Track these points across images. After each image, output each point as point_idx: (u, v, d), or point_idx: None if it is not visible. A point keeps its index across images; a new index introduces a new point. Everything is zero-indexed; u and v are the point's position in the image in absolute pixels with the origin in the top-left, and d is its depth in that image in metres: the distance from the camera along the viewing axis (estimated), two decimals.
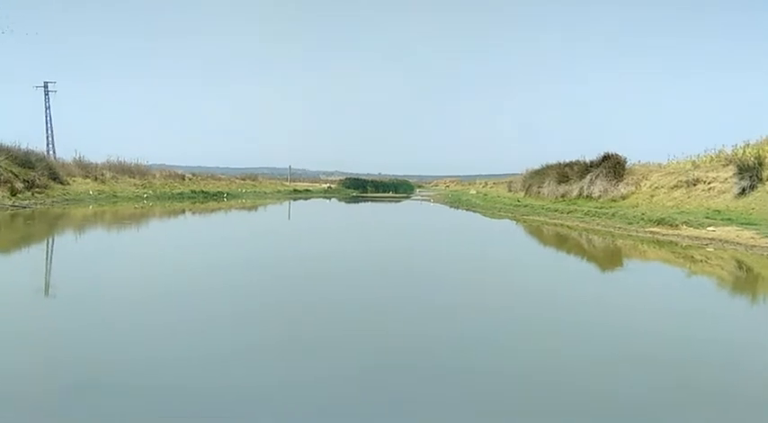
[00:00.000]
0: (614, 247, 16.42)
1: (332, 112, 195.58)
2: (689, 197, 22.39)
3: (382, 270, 11.91)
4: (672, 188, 23.64)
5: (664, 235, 17.07)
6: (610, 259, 14.61)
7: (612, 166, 27.35)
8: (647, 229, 18.13)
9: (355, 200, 52.50)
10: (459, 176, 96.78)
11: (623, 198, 25.58)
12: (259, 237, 19.39)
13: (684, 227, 17.16)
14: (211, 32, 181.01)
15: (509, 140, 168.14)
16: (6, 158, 27.50)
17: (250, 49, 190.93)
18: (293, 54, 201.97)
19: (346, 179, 75.14)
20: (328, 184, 73.78)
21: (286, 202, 43.72)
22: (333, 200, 51.76)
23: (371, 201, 50.70)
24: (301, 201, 48.24)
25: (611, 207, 24.07)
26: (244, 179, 57.69)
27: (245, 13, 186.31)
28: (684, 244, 15.73)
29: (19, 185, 26.96)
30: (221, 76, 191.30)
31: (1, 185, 25.91)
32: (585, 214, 23.27)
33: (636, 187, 25.89)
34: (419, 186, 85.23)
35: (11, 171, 27.09)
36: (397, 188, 71.43)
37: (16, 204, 24.86)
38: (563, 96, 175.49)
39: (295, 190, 60.66)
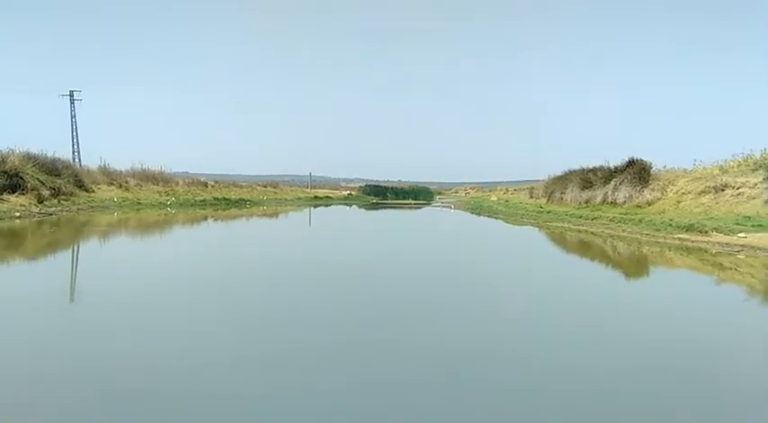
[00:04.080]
0: (642, 253, 16.10)
1: (352, 118, 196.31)
2: (717, 203, 21.92)
3: (405, 278, 11.78)
4: (699, 194, 23.18)
5: (693, 241, 16.70)
6: (638, 266, 14.32)
7: (637, 172, 26.91)
8: (675, 236, 17.76)
9: (375, 207, 52.49)
10: (479, 183, 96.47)
11: (649, 204, 25.15)
12: (280, 244, 19.39)
13: (714, 233, 16.78)
14: (232, 42, 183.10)
15: (530, 146, 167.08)
16: (33, 166, 27.94)
17: (270, 57, 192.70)
18: (313, 63, 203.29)
19: (366, 186, 75.22)
20: (348, 191, 73.89)
21: (306, 209, 43.84)
22: (353, 207, 51.82)
23: (391, 208, 50.65)
24: (322, 208, 48.35)
25: (636, 213, 23.67)
26: (265, 186, 58.05)
27: (264, 22, 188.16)
28: (714, 251, 15.36)
29: (45, 193, 27.37)
30: (243, 85, 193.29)
31: (28, 193, 26.32)
32: (611, 221, 22.91)
33: (662, 193, 25.45)
34: (439, 193, 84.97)
35: (38, 179, 27.52)
36: (417, 195, 71.26)
37: (43, 211, 25.23)
38: (584, 101, 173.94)
39: (315, 197, 60.86)
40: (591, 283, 11.72)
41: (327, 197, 63.09)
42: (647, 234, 19.04)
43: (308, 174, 78.70)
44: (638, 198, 26.09)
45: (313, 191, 66.87)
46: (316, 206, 49.87)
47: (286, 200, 53.97)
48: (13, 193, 25.76)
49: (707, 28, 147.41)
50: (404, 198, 68.35)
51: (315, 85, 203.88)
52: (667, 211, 23.18)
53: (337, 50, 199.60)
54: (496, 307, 8.89)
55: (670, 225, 19.12)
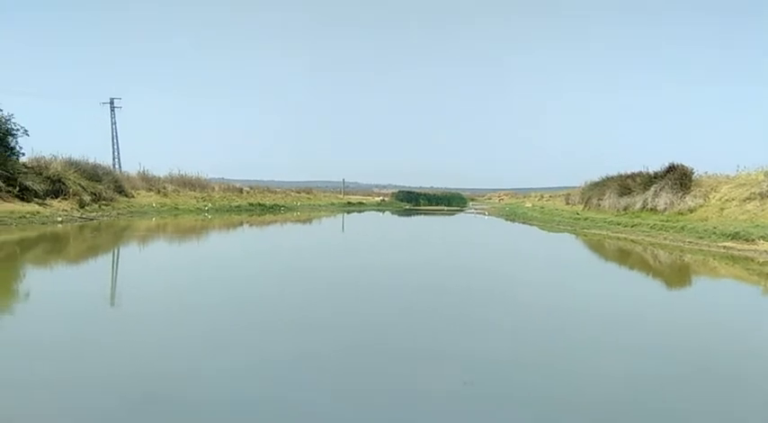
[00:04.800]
0: (685, 262, 15.61)
1: (385, 125, 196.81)
2: (763, 210, 21.14)
3: (442, 286, 11.63)
4: (744, 201, 22.39)
5: (739, 250, 16.13)
6: (681, 276, 13.88)
7: (678, 178, 26.17)
8: (719, 244, 17.19)
9: (408, 213, 52.34)
10: (513, 190, 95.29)
11: (691, 211, 24.42)
12: (313, 250, 19.43)
13: (761, 241, 16.17)
14: (266, 49, 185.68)
15: (564, 152, 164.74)
16: (75, 172, 28.70)
17: (305, 65, 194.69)
18: (347, 70, 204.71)
19: (399, 192, 75.04)
20: (381, 197, 73.87)
21: (340, 215, 43.99)
22: (386, 213, 51.76)
23: (424, 214, 50.43)
24: (355, 213, 48.45)
25: (677, 221, 23.02)
26: (299, 192, 58.48)
27: (296, 30, 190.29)
28: (762, 260, 14.80)
29: (86, 198, 28.06)
30: (277, 92, 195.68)
31: (70, 198, 27.02)
32: (651, 228, 22.33)
33: (704, 200, 24.68)
34: (472, 199, 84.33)
35: (79, 184, 28.24)
36: (449, 201, 70.84)
37: (84, 216, 25.85)
38: (620, 107, 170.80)
39: (348, 203, 61.04)
40: (634, 295, 11.38)
41: (360, 203, 63.20)
42: (689, 242, 18.49)
43: (341, 180, 78.95)
44: (679, 205, 25.36)
45: (346, 197, 67.07)
46: (349, 212, 50.01)
47: (319, 205, 54.26)
48: (56, 198, 26.47)
49: (750, 31, 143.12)
50: (437, 204, 68.01)
51: (349, 92, 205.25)
52: (710, 218, 22.47)
53: (371, 57, 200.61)
54: (535, 319, 8.68)
55: (714, 233, 18.52)
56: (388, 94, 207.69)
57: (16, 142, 27.87)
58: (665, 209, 25.83)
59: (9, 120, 27.50)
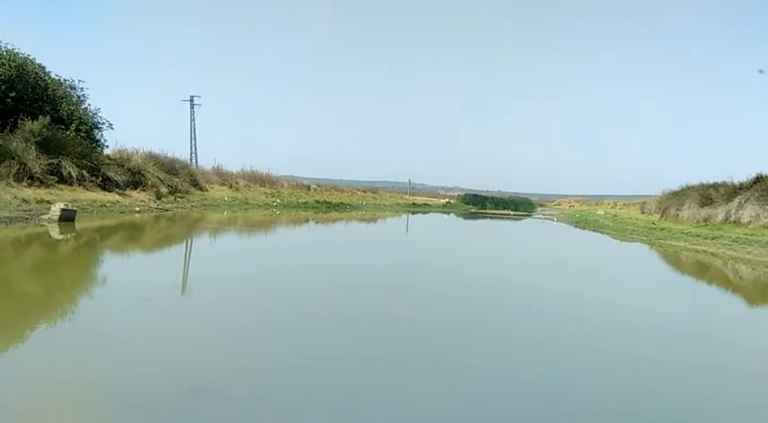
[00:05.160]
0: None
1: (451, 127, 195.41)
2: None
3: (506, 295, 11.33)
4: None
5: None
6: (765, 293, 12.94)
7: (766, 189, 24.51)
8: None
9: (473, 216, 51.66)
10: (584, 196, 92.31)
11: None
12: (376, 250, 19.44)
13: None
14: (340, 50, 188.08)
15: (642, 158, 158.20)
16: (154, 165, 29.98)
17: (375, 66, 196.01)
18: (415, 71, 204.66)
19: (465, 195, 74.34)
20: (447, 199, 73.33)
21: (404, 216, 43.94)
22: (451, 215, 51.32)
23: (490, 218, 49.62)
24: (419, 215, 48.28)
25: (763, 235, 21.53)
26: (365, 191, 58.90)
27: (377, 35, 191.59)
28: None
29: (163, 190, 29.27)
30: (348, 92, 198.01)
31: (148, 189, 28.25)
32: (734, 241, 20.99)
33: None
34: (540, 205, 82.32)
35: (157, 177, 29.48)
36: (517, 206, 69.47)
37: (160, 207, 26.98)
38: (704, 113, 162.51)
39: (414, 204, 60.95)
40: (715, 317, 10.70)
41: (425, 204, 62.98)
42: None
43: (407, 181, 78.96)
44: (765, 218, 23.73)
45: (411, 197, 66.98)
46: (413, 213, 49.90)
47: (384, 205, 54.44)
48: (135, 188, 27.74)
49: None
50: (503, 208, 66.85)
51: (420, 95, 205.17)
52: None
53: (439, 60, 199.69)
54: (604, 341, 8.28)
55: None
56: (461, 96, 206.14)
57: (101, 135, 29.47)
58: (750, 222, 24.23)
59: (96, 114, 29.11)
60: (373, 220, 36.25)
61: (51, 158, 23.08)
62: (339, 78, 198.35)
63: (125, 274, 11.08)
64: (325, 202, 45.88)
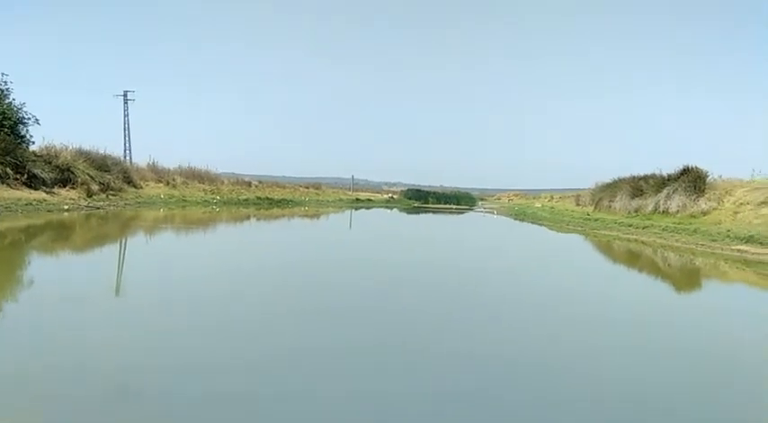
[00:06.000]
0: (695, 265, 15.28)
1: (395, 123, 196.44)
2: None
3: (448, 283, 11.44)
4: (760, 205, 21.96)
5: (753, 254, 15.77)
6: (691, 279, 13.57)
7: (692, 180, 25.75)
8: (733, 247, 16.84)
9: (416, 211, 52.06)
10: (522, 190, 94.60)
11: (704, 214, 24.00)
12: (322, 245, 19.28)
13: None
14: (277, 45, 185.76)
15: (573, 153, 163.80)
16: (85, 161, 28.70)
17: (315, 62, 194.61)
18: (357, 68, 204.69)
19: (408, 190, 74.73)
20: (390, 195, 73.61)
21: (347, 211, 43.81)
22: (394, 210, 51.53)
23: (433, 212, 50.13)
24: (363, 210, 48.26)
25: (690, 223, 22.64)
26: (307, 187, 58.39)
27: (310, 27, 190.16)
28: None
29: (95, 187, 28.06)
30: (287, 88, 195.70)
31: (78, 187, 27.02)
32: (663, 230, 21.97)
33: (718, 203, 24.26)
34: (481, 199, 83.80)
35: (88, 174, 28.24)
36: (459, 200, 70.41)
37: (91, 205, 25.84)
38: (632, 108, 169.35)
39: (357, 199, 60.88)
40: (640, 298, 11.12)
41: (369, 200, 63.04)
42: (702, 245, 18.14)
43: (350, 177, 78.76)
44: (692, 207, 24.96)
45: (354, 193, 66.88)
46: (357, 208, 49.83)
47: (328, 201, 54.13)
48: (64, 186, 26.47)
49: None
50: (446, 203, 67.64)
51: (359, 90, 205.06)
52: (724, 221, 22.07)
53: (382, 56, 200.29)
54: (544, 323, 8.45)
55: (727, 236, 18.17)
56: (401, 93, 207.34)
57: (27, 131, 27.95)
58: (678, 211, 25.43)
59: (21, 108, 27.56)
60: (316, 216, 35.94)
61: None
62: (278, 73, 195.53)
63: (53, 275, 10.51)
64: (266, 199, 45.19)
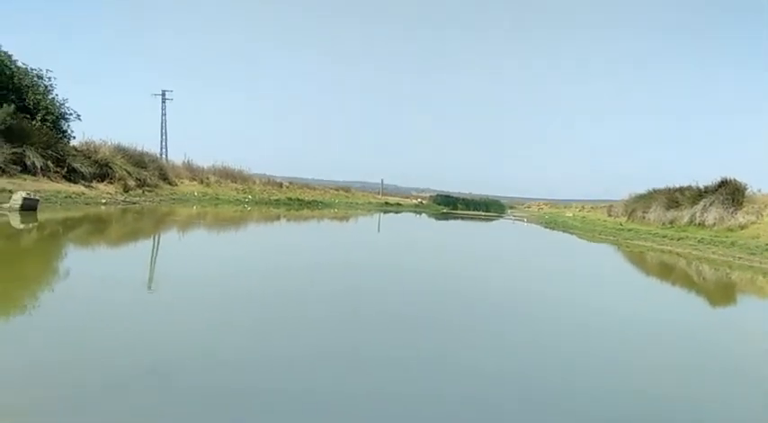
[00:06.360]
0: (732, 279, 14.88)
1: (426, 130, 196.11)
2: None
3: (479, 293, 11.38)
4: None
5: None
6: (728, 293, 13.24)
7: (730, 193, 25.15)
8: None
9: (445, 217, 51.78)
10: (552, 200, 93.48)
11: (741, 228, 23.39)
12: (350, 249, 19.35)
13: None
14: (320, 53, 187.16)
15: (608, 164, 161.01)
16: (122, 158, 29.36)
17: (354, 71, 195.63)
18: (395, 76, 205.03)
19: (437, 196, 74.47)
20: (419, 199, 73.40)
21: (376, 214, 43.86)
22: (422, 215, 51.38)
23: (462, 218, 49.84)
24: (391, 214, 48.26)
25: (727, 236, 22.09)
26: (337, 190, 58.66)
27: (354, 37, 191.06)
28: None
29: (131, 183, 28.69)
30: (324, 94, 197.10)
31: (115, 182, 27.66)
32: (699, 242, 21.47)
33: (757, 217, 23.62)
34: (511, 207, 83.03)
35: (125, 170, 28.89)
36: (488, 207, 69.83)
37: (127, 200, 26.42)
38: (668, 121, 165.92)
39: (386, 203, 60.90)
40: (679, 313, 10.89)
41: (398, 204, 63.01)
42: (740, 258, 17.67)
43: (379, 181, 78.71)
44: (729, 221, 24.35)
45: (384, 197, 66.92)
46: (386, 212, 49.84)
47: (357, 204, 54.28)
48: (102, 181, 27.13)
49: None
50: (475, 209, 67.17)
51: (395, 99, 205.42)
52: (762, 235, 21.46)
53: (415, 64, 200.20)
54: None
55: (767, 249, 17.66)
56: (433, 102, 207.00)
57: (68, 126, 28.76)
58: (714, 224, 24.85)
59: (63, 104, 28.39)
60: (345, 218, 36.07)
61: (15, 148, 22.44)
62: (317, 79, 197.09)
63: (89, 267, 10.77)
64: (297, 200, 45.54)
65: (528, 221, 46.62)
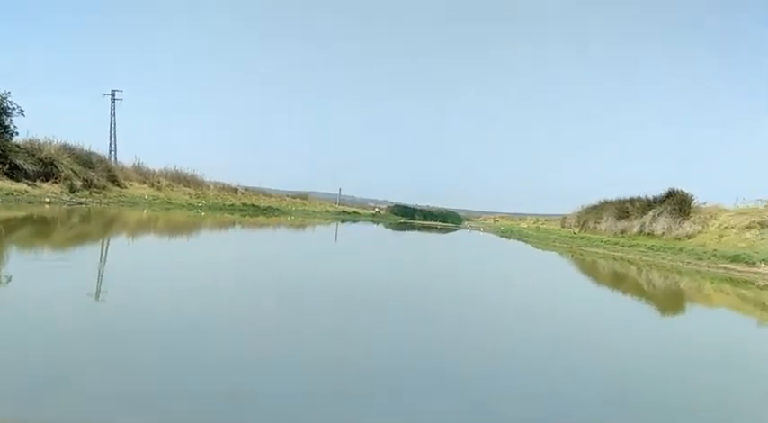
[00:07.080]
0: (682, 283, 15.22)
1: (383, 143, 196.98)
2: (762, 239, 20.83)
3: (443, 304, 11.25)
4: (744, 229, 22.08)
5: (739, 272, 15.78)
6: (678, 296, 13.52)
7: (678, 203, 25.89)
8: (719, 265, 16.85)
9: (402, 227, 51.63)
10: (507, 214, 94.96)
11: (689, 237, 24.09)
12: (306, 261, 19.00)
13: (763, 265, 15.85)
14: (269, 54, 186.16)
15: (560, 178, 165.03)
16: (69, 157, 28.22)
17: (307, 75, 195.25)
18: (351, 83, 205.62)
19: (395, 206, 74.58)
20: (377, 209, 73.37)
21: (333, 224, 43.46)
22: (379, 225, 51.21)
23: (419, 229, 49.78)
24: (349, 223, 47.91)
25: (674, 245, 22.71)
26: (294, 197, 58.01)
27: (305, 34, 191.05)
28: (762, 283, 14.44)
29: (78, 183, 27.56)
30: (279, 101, 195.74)
31: (61, 182, 26.53)
32: (649, 249, 22.00)
33: (703, 226, 24.36)
34: (467, 219, 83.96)
35: (72, 169, 27.75)
36: (445, 218, 70.42)
37: (73, 200, 25.37)
38: (618, 136, 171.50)
39: (344, 212, 60.64)
40: (632, 315, 11.01)
41: (355, 213, 62.82)
42: (688, 262, 18.14)
43: (337, 191, 78.46)
44: (677, 230, 25.04)
45: (341, 206, 66.65)
46: (343, 221, 49.47)
47: (314, 212, 53.78)
48: (47, 180, 25.99)
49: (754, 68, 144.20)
50: (432, 220, 67.56)
51: (351, 105, 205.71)
52: (708, 244, 22.12)
53: (375, 70, 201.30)
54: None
55: (714, 255, 18.20)
56: (389, 113, 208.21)
57: (11, 121, 27.39)
58: (663, 234, 25.52)
59: (5, 98, 27.06)
60: (302, 227, 35.56)
61: None
62: (267, 85, 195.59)
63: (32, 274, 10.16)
64: (252, 206, 44.72)
65: (484, 231, 47.10)
